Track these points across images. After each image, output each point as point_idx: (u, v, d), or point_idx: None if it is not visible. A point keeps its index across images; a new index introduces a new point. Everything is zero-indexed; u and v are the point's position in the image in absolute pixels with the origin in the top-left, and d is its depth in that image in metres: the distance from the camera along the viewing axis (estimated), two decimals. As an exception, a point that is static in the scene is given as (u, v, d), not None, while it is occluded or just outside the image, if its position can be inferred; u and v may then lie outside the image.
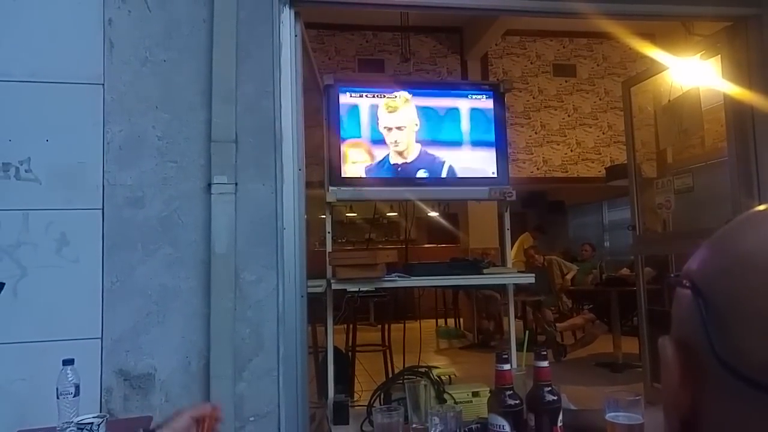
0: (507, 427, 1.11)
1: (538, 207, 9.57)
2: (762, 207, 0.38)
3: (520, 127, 7.05)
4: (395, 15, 6.05)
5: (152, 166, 1.74)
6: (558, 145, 7.19)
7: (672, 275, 0.40)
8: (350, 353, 3.51)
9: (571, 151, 7.21)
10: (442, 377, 1.88)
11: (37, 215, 1.67)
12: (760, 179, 2.25)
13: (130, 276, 1.70)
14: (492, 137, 2.55)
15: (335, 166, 2.40)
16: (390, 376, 3.16)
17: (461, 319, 6.89)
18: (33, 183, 1.68)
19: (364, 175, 2.42)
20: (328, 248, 2.40)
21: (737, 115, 2.34)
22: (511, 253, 2.72)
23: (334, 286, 2.27)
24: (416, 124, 2.48)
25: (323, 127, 2.46)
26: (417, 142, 2.48)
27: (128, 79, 1.76)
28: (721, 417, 0.35)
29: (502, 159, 2.55)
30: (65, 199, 1.69)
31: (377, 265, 2.21)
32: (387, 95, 2.49)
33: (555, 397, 1.12)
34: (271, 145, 1.81)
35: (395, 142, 2.46)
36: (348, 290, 3.22)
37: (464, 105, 2.55)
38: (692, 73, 2.91)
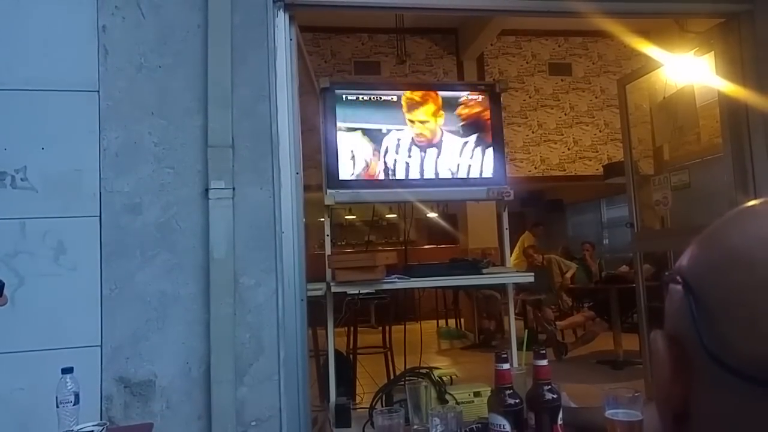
0: (507, 427, 1.11)
1: (536, 206, 9.58)
2: (750, 203, 0.39)
3: (517, 127, 7.07)
4: (390, 17, 6.07)
5: (149, 172, 1.74)
6: (555, 143, 7.20)
7: (667, 273, 0.41)
8: (351, 356, 3.51)
9: (569, 149, 7.22)
10: (444, 378, 1.88)
11: (34, 223, 1.67)
12: (756, 174, 2.26)
13: (129, 283, 1.70)
14: (489, 137, 2.55)
15: (333, 169, 2.40)
16: (391, 378, 3.15)
17: (462, 320, 6.89)
18: (29, 191, 1.67)
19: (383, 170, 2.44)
20: (328, 251, 2.40)
21: (731, 110, 2.35)
22: (510, 253, 2.72)
23: (334, 289, 2.27)
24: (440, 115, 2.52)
25: (320, 130, 2.46)
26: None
27: (123, 86, 1.76)
28: (712, 409, 0.35)
29: (499, 159, 2.56)
30: (62, 206, 1.69)
31: (377, 267, 2.21)
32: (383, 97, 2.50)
33: (555, 396, 1.12)
34: (268, 149, 1.81)
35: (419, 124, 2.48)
36: (348, 293, 3.22)
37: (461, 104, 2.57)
38: (686, 70, 2.91)
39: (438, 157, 2.48)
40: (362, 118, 2.46)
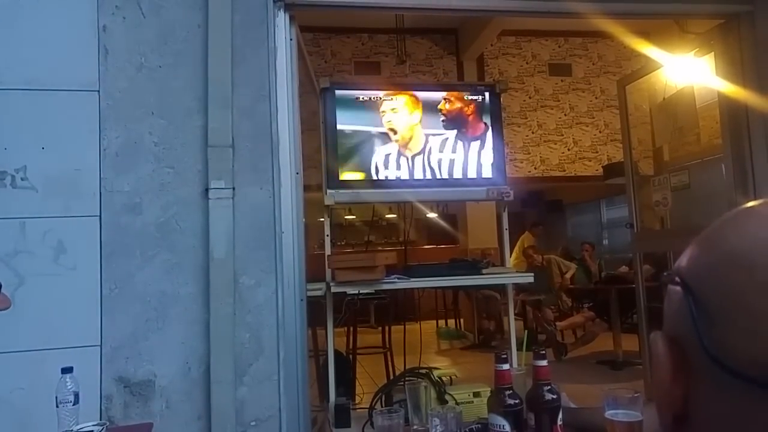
0: (507, 427, 1.11)
1: (536, 206, 9.58)
2: (749, 204, 0.39)
3: (517, 127, 7.07)
4: (390, 17, 6.07)
5: (149, 172, 1.74)
6: (555, 144, 7.21)
7: (665, 273, 0.41)
8: (351, 356, 3.51)
9: (568, 150, 7.23)
10: (443, 378, 1.88)
11: (34, 223, 1.67)
12: (756, 175, 2.26)
13: (129, 282, 1.70)
14: (471, 132, 2.55)
15: (333, 169, 2.40)
16: (391, 378, 3.15)
17: (461, 320, 6.89)
18: (29, 191, 1.67)
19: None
20: (327, 251, 2.40)
21: (731, 111, 2.35)
22: (509, 253, 2.72)
23: (334, 289, 2.27)
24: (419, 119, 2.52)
25: (320, 131, 2.46)
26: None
27: (124, 86, 1.76)
28: (712, 411, 0.35)
29: (499, 159, 2.56)
30: (62, 206, 1.69)
31: (377, 267, 2.21)
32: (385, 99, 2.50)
33: (554, 396, 1.12)
34: (268, 149, 1.81)
35: (394, 132, 2.48)
36: (348, 293, 3.22)
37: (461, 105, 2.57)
38: (686, 71, 2.91)
39: (427, 163, 2.48)
40: (362, 119, 2.47)
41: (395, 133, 2.47)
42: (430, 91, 2.63)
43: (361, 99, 2.48)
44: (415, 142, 2.49)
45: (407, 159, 2.47)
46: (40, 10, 1.74)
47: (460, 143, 2.50)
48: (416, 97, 2.52)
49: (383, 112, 2.47)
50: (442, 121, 2.51)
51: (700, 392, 0.36)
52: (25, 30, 1.73)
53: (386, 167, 2.44)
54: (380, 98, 2.48)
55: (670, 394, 0.37)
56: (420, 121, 2.50)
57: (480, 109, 2.56)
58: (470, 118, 2.54)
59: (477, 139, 2.53)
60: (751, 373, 0.32)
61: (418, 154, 2.48)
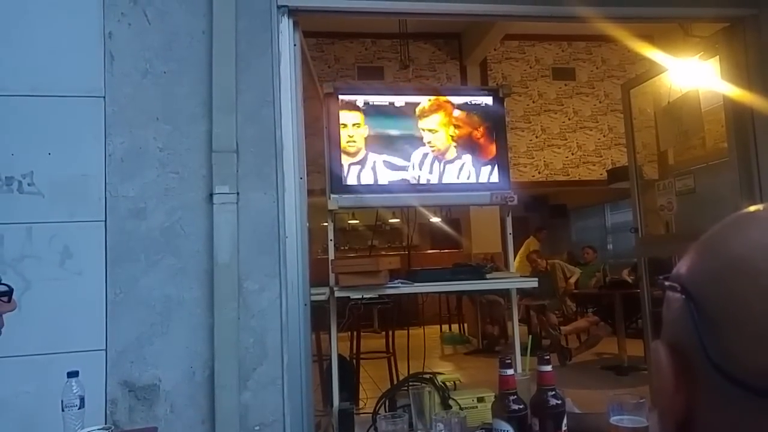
0: (512, 433, 1.10)
1: (540, 211, 9.55)
2: (750, 209, 0.38)
3: (521, 132, 7.07)
4: (394, 22, 6.09)
5: (154, 177, 1.75)
6: (559, 148, 7.20)
7: (661, 278, 0.40)
8: (355, 361, 3.50)
9: (572, 154, 7.22)
10: (447, 383, 1.87)
11: (40, 228, 1.68)
12: (761, 179, 2.25)
13: (134, 287, 1.71)
14: (492, 142, 2.56)
15: (336, 174, 2.41)
16: (395, 383, 3.14)
17: (465, 325, 6.86)
18: (36, 196, 1.69)
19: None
20: (331, 256, 2.40)
21: (737, 115, 2.34)
22: (513, 258, 2.71)
23: (337, 294, 2.27)
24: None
25: (324, 135, 2.47)
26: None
27: (129, 92, 1.77)
28: (715, 420, 0.35)
29: (502, 163, 2.56)
30: (68, 211, 1.70)
31: (380, 271, 2.22)
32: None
33: (559, 401, 1.12)
34: (272, 154, 1.82)
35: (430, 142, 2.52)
36: (351, 297, 3.22)
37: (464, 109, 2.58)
38: (691, 75, 2.91)
39: (459, 173, 2.50)
40: (366, 123, 2.48)
41: (433, 146, 2.51)
42: (431, 95, 2.63)
43: (364, 104, 2.49)
44: (451, 151, 2.52)
45: (439, 162, 2.49)
46: (46, 17, 1.76)
47: (473, 169, 2.52)
48: (451, 113, 2.54)
49: (423, 129, 2.50)
50: (455, 146, 2.53)
51: (703, 401, 0.35)
52: (31, 37, 1.74)
53: (420, 168, 2.48)
54: (416, 115, 2.50)
55: (673, 403, 0.37)
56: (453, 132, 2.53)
57: (490, 129, 2.56)
58: (481, 141, 2.55)
59: (488, 164, 2.54)
60: (756, 382, 0.31)
61: (451, 162, 2.50)
